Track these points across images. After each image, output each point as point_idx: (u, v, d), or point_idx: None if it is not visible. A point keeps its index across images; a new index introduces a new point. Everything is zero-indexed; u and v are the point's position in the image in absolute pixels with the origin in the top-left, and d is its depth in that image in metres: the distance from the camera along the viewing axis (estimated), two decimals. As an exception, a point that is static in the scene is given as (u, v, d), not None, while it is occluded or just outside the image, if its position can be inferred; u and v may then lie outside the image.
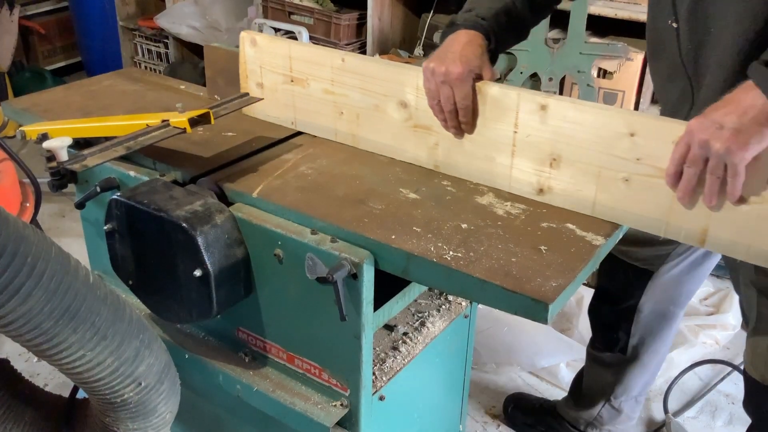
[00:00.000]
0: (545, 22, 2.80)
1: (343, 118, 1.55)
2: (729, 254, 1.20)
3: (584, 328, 2.61)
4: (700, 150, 1.09)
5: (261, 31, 3.58)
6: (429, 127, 1.43)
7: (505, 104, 1.32)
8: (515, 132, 1.33)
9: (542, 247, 1.20)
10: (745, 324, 1.63)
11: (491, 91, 1.33)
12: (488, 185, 1.41)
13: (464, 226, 1.26)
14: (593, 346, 2.02)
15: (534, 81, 2.93)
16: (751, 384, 1.62)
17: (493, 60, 1.40)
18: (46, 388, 1.60)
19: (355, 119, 1.53)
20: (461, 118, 1.35)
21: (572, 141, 1.27)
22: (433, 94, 1.35)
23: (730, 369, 2.51)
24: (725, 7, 1.26)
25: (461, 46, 1.34)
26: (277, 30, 3.64)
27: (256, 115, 1.69)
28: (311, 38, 3.56)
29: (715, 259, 1.81)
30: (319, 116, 1.58)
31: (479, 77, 1.34)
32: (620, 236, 1.30)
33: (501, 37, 1.42)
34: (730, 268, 1.63)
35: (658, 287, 1.81)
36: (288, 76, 1.59)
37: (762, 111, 1.04)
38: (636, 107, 3.01)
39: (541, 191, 1.35)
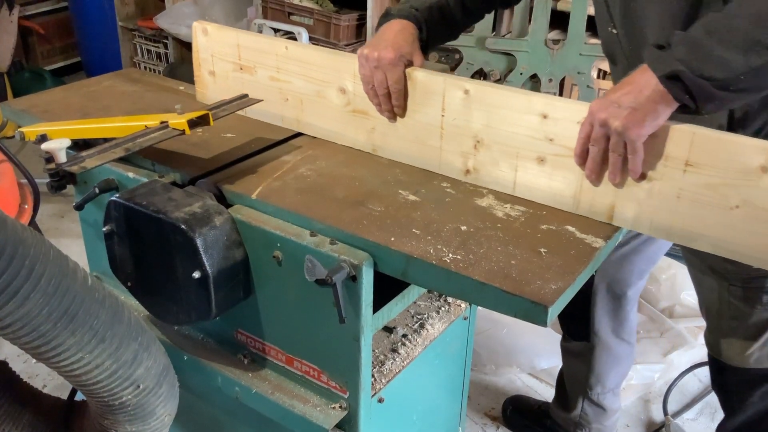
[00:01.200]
0: (545, 24, 2.80)
1: (289, 104, 1.61)
2: (635, 229, 1.27)
3: (584, 329, 2.61)
4: (601, 129, 1.17)
5: (261, 31, 3.58)
6: (366, 112, 1.50)
7: (433, 89, 1.39)
8: (443, 116, 1.40)
9: (542, 250, 1.19)
10: (703, 309, 1.68)
11: (419, 76, 1.40)
12: (420, 167, 1.47)
13: (464, 228, 1.25)
14: (563, 338, 2.06)
15: (534, 82, 2.93)
16: (715, 365, 1.71)
17: (424, 51, 1.47)
18: (45, 390, 1.60)
19: (300, 105, 1.60)
20: (394, 102, 1.42)
21: (493, 123, 1.34)
22: (368, 79, 1.42)
23: (729, 371, 2.51)
24: (650, 10, 1.32)
25: (394, 33, 1.42)
26: (276, 30, 3.64)
27: (205, 100, 1.76)
28: (311, 39, 3.56)
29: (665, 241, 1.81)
30: (266, 102, 1.63)
31: (410, 63, 1.41)
32: (620, 238, 1.30)
33: (432, 30, 1.48)
34: (686, 257, 1.65)
35: (609, 268, 1.84)
36: (237, 64, 1.66)
37: (655, 90, 1.12)
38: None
39: (467, 172, 1.42)
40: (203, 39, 1.69)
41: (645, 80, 1.13)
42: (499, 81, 3.00)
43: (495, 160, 1.37)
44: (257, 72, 1.62)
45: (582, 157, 1.24)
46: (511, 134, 1.33)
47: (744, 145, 1.11)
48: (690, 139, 1.15)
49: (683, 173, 1.17)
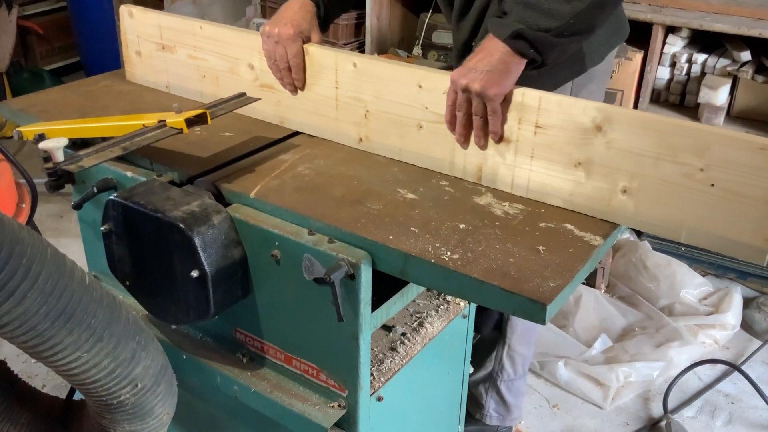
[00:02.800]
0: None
1: (206, 81, 1.73)
2: (499, 188, 1.39)
3: (580, 326, 2.61)
4: (463, 94, 1.29)
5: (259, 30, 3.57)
6: (272, 86, 1.61)
7: (326, 63, 1.51)
8: (337, 88, 1.52)
9: (540, 248, 1.19)
10: None
11: (314, 51, 1.52)
12: (321, 137, 1.58)
13: (462, 226, 1.25)
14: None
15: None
16: None
17: (323, 27, 1.59)
18: (44, 390, 1.60)
19: (216, 81, 1.71)
20: (294, 75, 1.54)
21: (379, 94, 1.46)
22: (270, 54, 1.54)
23: (729, 369, 2.51)
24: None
25: (293, 11, 1.53)
26: (275, 30, 3.62)
27: (137, 81, 1.90)
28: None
29: None
30: (187, 80, 1.76)
31: (308, 39, 1.53)
32: (618, 236, 1.30)
33: (329, 7, 1.61)
34: None
35: None
36: (160, 44, 1.78)
37: (504, 51, 1.27)
38: (635, 106, 3.01)
39: (360, 140, 1.53)
40: (129, 21, 1.82)
41: (494, 45, 1.27)
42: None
43: (383, 129, 1.48)
44: (177, 51, 1.75)
45: (452, 123, 1.36)
46: (395, 104, 1.44)
47: (580, 107, 1.24)
48: (537, 104, 1.28)
49: (534, 134, 1.30)
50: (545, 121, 1.28)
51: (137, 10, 1.80)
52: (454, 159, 1.41)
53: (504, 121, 1.31)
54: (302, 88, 1.56)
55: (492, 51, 1.27)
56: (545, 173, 1.32)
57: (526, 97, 1.29)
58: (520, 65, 1.28)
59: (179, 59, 1.75)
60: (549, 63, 1.30)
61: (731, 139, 1.13)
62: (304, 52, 1.51)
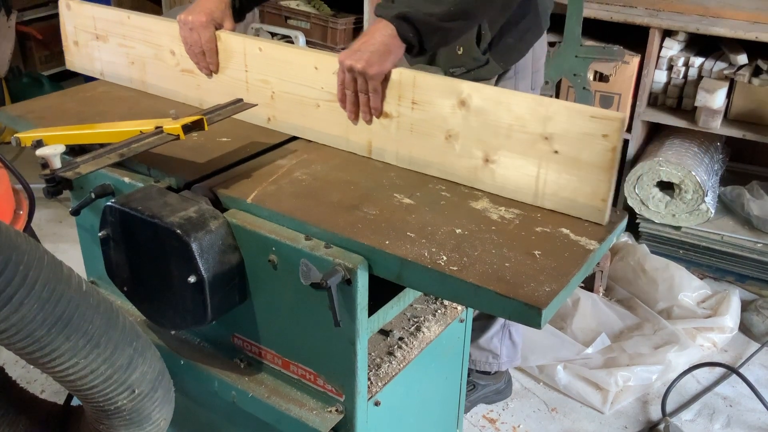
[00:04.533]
0: (541, 26, 2.80)
1: (134, 67, 1.86)
2: (387, 161, 1.50)
3: (577, 328, 2.62)
4: (349, 73, 1.40)
5: (258, 35, 3.58)
6: (192, 71, 1.73)
7: (236, 48, 1.63)
8: (246, 71, 1.63)
9: (536, 252, 1.20)
10: None
11: (225, 37, 1.63)
12: (239, 118, 1.65)
13: (458, 231, 1.26)
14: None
15: (530, 84, 2.93)
16: None
17: (239, 17, 1.70)
18: (43, 395, 1.60)
19: (143, 68, 1.84)
20: (208, 59, 1.65)
21: (283, 76, 1.57)
22: (186, 40, 1.65)
23: (728, 372, 2.51)
24: None
25: (208, 1, 1.65)
26: (273, 34, 3.64)
27: (75, 69, 2.03)
28: (308, 42, 3.56)
29: None
30: (118, 66, 1.89)
31: (221, 26, 1.64)
32: (614, 240, 1.30)
33: None
34: None
35: None
36: (94, 34, 1.90)
37: (387, 33, 1.37)
38: (632, 110, 3.01)
39: (269, 120, 1.64)
40: (67, 13, 1.94)
41: (378, 28, 1.39)
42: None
43: (288, 109, 1.59)
44: (109, 40, 1.87)
45: (343, 101, 1.47)
46: (296, 85, 1.55)
47: (447, 85, 1.36)
48: (412, 82, 1.39)
49: (412, 110, 1.42)
50: (420, 97, 1.40)
51: (74, 3, 1.91)
52: (349, 136, 1.53)
53: (383, 98, 1.43)
54: (216, 71, 1.68)
55: (376, 33, 1.39)
56: (423, 145, 1.43)
57: (403, 76, 1.40)
58: (400, 48, 1.39)
59: (111, 48, 1.88)
60: (428, 49, 1.42)
61: (567, 109, 1.25)
62: (216, 38, 1.63)
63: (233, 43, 1.62)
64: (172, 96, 1.81)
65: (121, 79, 1.91)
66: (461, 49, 1.74)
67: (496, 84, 1.81)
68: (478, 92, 1.33)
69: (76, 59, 2.01)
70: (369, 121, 1.47)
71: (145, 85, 1.86)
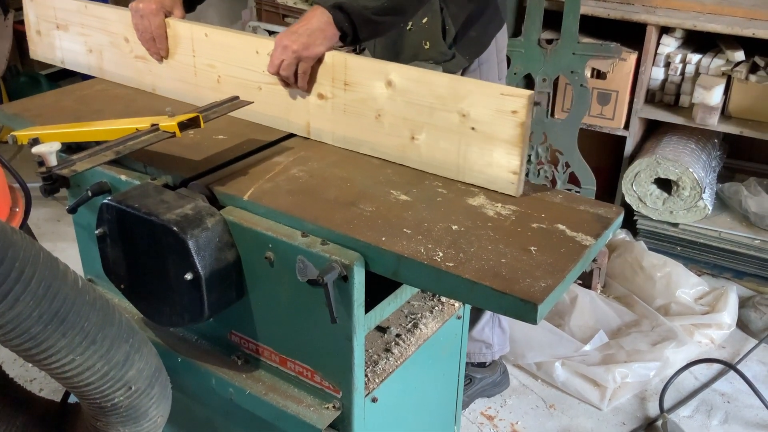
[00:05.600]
0: (538, 24, 2.80)
1: (92, 55, 1.93)
2: (324, 140, 1.56)
3: (575, 325, 2.62)
4: (283, 53, 1.47)
5: (255, 33, 3.58)
6: (144, 57, 1.79)
7: (184, 34, 1.70)
8: (194, 56, 1.70)
9: (532, 248, 1.20)
10: None
11: (174, 24, 1.71)
12: (185, 101, 1.75)
13: (455, 227, 1.26)
14: None
15: (528, 82, 2.93)
16: None
17: (190, 8, 1.79)
18: (41, 393, 1.60)
19: (100, 55, 1.91)
20: (158, 45, 1.72)
21: (227, 61, 1.65)
22: (137, 27, 1.72)
23: (725, 368, 2.52)
24: None
25: None
26: (271, 32, 3.64)
27: (38, 57, 2.08)
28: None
29: None
30: (77, 54, 1.96)
31: (171, 14, 1.71)
32: (610, 236, 1.31)
33: None
34: None
35: None
36: (55, 23, 1.96)
37: (323, 21, 1.46)
38: (630, 107, 3.01)
39: None
40: (30, 3, 2.01)
41: (315, 14, 1.48)
42: (493, 81, 3.00)
43: (233, 92, 1.61)
44: (69, 29, 1.93)
45: (281, 81, 1.54)
46: (240, 69, 1.62)
47: (374, 67, 1.44)
48: (344, 64, 1.47)
49: (344, 91, 1.49)
50: (351, 79, 1.47)
51: None
52: (289, 117, 1.60)
53: (314, 80, 1.52)
54: (166, 57, 1.75)
55: (312, 18, 1.47)
56: (356, 125, 1.50)
57: (335, 58, 1.48)
58: (335, 35, 1.48)
59: (71, 36, 1.95)
60: (361, 38, 1.52)
61: (480, 87, 1.34)
62: (165, 24, 1.71)
63: (181, 30, 1.70)
64: (130, 83, 1.88)
65: (80, 67, 1.99)
66: (428, 43, 1.82)
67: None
68: (402, 73, 1.41)
69: (38, 48, 2.07)
70: (306, 102, 1.55)
71: (102, 72, 1.94)
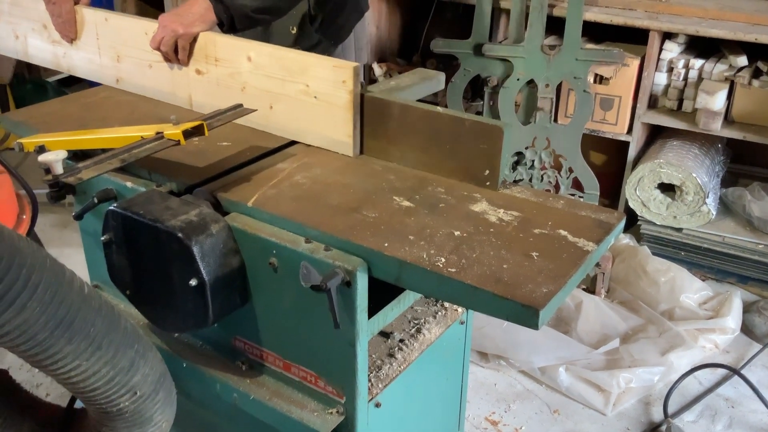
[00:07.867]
0: (541, 30, 2.81)
1: (18, 41, 2.13)
2: (203, 111, 1.66)
3: (582, 331, 2.62)
4: (163, 31, 1.68)
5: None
6: (60, 41, 2.00)
7: (89, 19, 1.91)
8: (98, 39, 1.92)
9: (534, 254, 1.20)
10: None
11: (80, 10, 1.92)
12: (95, 80, 1.98)
13: (457, 233, 1.26)
14: None
15: (531, 87, 2.94)
16: None
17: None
18: (48, 399, 1.61)
19: (24, 41, 2.11)
20: (68, 28, 1.93)
21: (124, 42, 1.85)
22: (50, 12, 1.93)
23: (730, 373, 2.51)
24: None
25: None
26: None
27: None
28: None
29: None
30: (6, 40, 2.15)
31: (79, 2, 1.93)
32: (612, 241, 1.31)
33: None
34: None
35: None
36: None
37: (204, 7, 1.68)
38: (633, 112, 3.02)
39: (117, 81, 1.94)
40: None
41: (197, 1, 1.68)
42: (496, 87, 3.00)
43: (130, 70, 1.87)
44: (1, 18, 2.10)
45: (164, 57, 1.73)
46: (134, 49, 1.83)
47: (236, 45, 1.64)
48: (214, 42, 1.67)
49: (216, 67, 1.69)
50: (221, 56, 1.67)
51: None
52: (175, 91, 1.80)
53: (191, 55, 1.71)
54: (75, 39, 1.95)
55: (195, 5, 1.68)
56: (227, 97, 1.67)
57: (207, 38, 1.68)
58: (213, 21, 1.70)
59: (2, 25, 2.14)
60: (238, 29, 1.74)
61: (318, 59, 1.52)
62: (75, 10, 1.91)
63: (87, 15, 1.91)
64: (51, 65, 2.09)
65: (8, 52, 2.20)
66: (294, 28, 2.07)
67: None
68: (259, 50, 1.60)
69: None
70: (183, 77, 1.76)
71: (27, 56, 2.15)
